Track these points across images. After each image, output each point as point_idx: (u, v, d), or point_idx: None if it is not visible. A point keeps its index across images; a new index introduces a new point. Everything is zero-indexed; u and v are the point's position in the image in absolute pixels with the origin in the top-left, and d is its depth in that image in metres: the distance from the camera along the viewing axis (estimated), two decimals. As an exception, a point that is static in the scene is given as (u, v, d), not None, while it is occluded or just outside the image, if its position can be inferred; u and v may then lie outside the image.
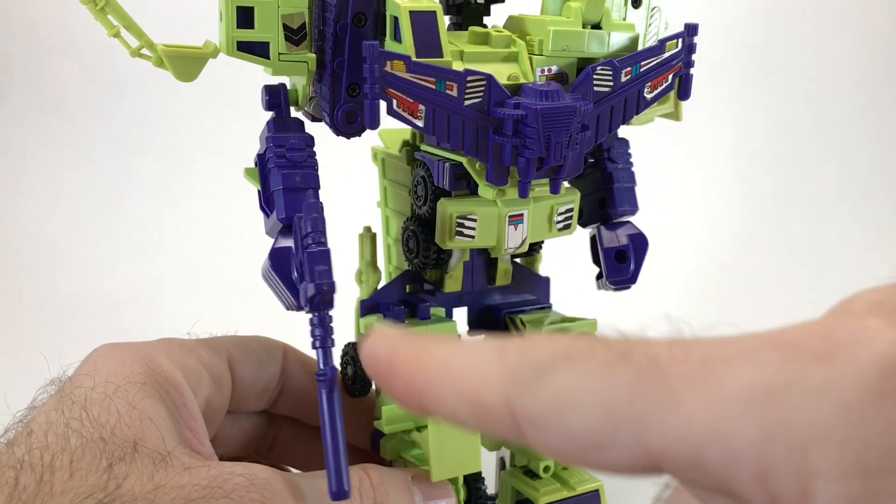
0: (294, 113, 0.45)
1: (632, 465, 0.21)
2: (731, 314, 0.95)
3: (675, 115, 0.49)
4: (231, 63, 0.43)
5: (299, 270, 0.39)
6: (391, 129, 0.50)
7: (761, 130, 1.14)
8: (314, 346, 0.39)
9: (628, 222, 0.51)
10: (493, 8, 0.47)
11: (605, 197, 0.50)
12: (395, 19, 0.40)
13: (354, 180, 0.62)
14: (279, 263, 0.40)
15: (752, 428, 0.19)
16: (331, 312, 0.38)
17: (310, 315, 0.39)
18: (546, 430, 0.22)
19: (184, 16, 0.86)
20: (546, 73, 0.43)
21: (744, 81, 1.14)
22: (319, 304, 0.37)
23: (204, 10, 0.42)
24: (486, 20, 0.46)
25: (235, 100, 0.87)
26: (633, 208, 0.50)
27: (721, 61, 1.12)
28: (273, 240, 0.42)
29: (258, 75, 0.44)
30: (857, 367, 0.18)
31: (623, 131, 0.51)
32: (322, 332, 0.38)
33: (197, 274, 1.00)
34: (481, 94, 0.39)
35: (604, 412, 0.21)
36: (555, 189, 0.42)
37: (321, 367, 0.38)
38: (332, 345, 0.38)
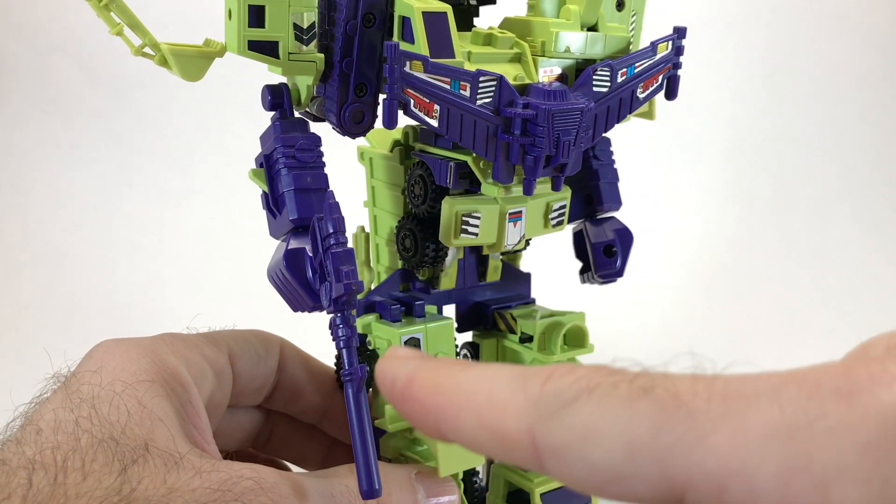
0: (294, 112, 0.45)
1: (653, 497, 0.22)
2: (731, 314, 0.96)
3: (649, 115, 0.51)
4: (231, 63, 0.43)
5: (317, 271, 0.39)
6: (378, 129, 0.50)
7: (761, 130, 1.14)
8: (339, 347, 0.38)
9: (613, 217, 0.52)
10: (482, 10, 0.47)
11: (591, 193, 0.51)
12: (405, 19, 0.40)
13: (339, 180, 0.62)
14: (294, 264, 0.40)
15: (775, 463, 0.19)
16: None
17: (331, 315, 0.39)
18: (568, 462, 0.22)
19: (182, 16, 0.86)
20: (549, 73, 0.44)
21: (744, 81, 1.14)
22: (345, 304, 0.38)
23: (203, 9, 0.42)
24: (475, 21, 0.47)
25: (236, 100, 0.88)
26: (617, 204, 0.52)
27: (721, 61, 1.12)
28: (280, 241, 0.42)
29: (257, 75, 0.44)
30: (878, 407, 0.19)
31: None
32: (347, 332, 0.38)
33: (197, 274, 1.00)
34: (492, 93, 0.40)
35: (626, 445, 0.21)
36: (556, 186, 0.43)
37: (347, 367, 0.38)
38: (358, 344, 0.39)
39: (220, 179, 1.05)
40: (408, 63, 0.38)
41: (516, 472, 0.52)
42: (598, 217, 0.52)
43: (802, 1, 1.15)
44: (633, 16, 0.47)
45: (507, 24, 0.46)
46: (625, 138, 0.55)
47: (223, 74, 0.49)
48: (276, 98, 0.43)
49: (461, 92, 0.39)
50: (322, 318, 0.56)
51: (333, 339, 0.39)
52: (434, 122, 0.39)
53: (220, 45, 0.41)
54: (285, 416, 0.53)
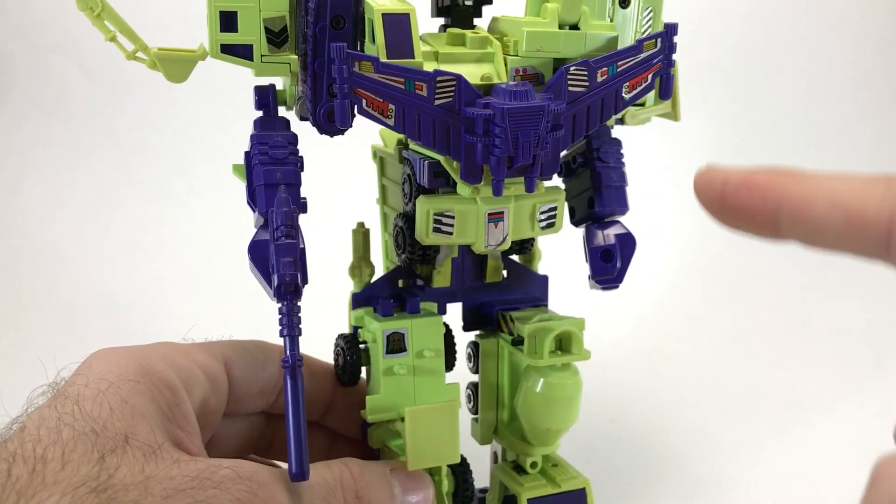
0: (285, 113, 0.46)
1: None
2: (732, 314, 0.96)
3: (672, 116, 0.50)
4: (232, 64, 0.43)
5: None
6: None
7: (761, 130, 1.14)
8: (280, 335, 0.40)
9: (617, 222, 0.51)
10: (485, 10, 0.47)
11: (593, 196, 0.50)
12: (373, 22, 0.41)
13: (356, 178, 0.63)
14: (257, 256, 0.41)
15: None
16: (299, 303, 0.40)
17: (279, 306, 0.40)
18: None
19: (185, 17, 0.86)
20: (521, 73, 0.43)
21: (744, 81, 1.14)
22: (284, 294, 0.39)
23: (204, 11, 0.43)
24: (476, 22, 0.47)
25: (236, 100, 0.87)
26: (623, 208, 0.50)
27: (721, 61, 1.12)
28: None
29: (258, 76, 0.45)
30: None
31: (619, 131, 0.52)
32: (287, 322, 0.39)
33: (197, 274, 1.01)
34: (452, 93, 0.40)
35: None
36: (529, 188, 0.42)
37: (285, 354, 0.40)
38: (299, 334, 0.40)
39: (220, 179, 1.05)
40: (357, 64, 0.38)
41: (509, 475, 0.52)
42: (603, 221, 0.51)
43: (802, 1, 1.15)
44: (648, 11, 0.46)
45: (492, 24, 0.46)
46: (630, 140, 0.55)
47: (222, 75, 0.50)
48: (263, 98, 0.45)
49: (417, 92, 0.39)
50: (321, 317, 0.57)
51: (279, 327, 0.40)
52: (390, 122, 0.39)
53: (203, 49, 0.43)
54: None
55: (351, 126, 0.40)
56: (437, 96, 0.40)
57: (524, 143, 0.39)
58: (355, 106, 0.39)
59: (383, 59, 0.40)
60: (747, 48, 1.14)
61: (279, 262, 0.39)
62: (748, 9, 1.14)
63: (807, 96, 1.14)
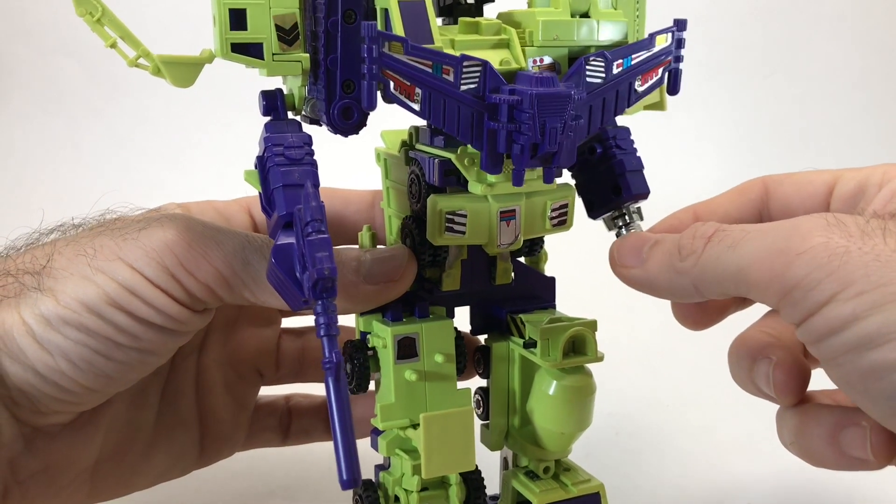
0: (291, 117, 0.45)
1: None
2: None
3: (660, 105, 0.50)
4: (233, 65, 0.43)
5: (301, 263, 0.39)
6: (393, 130, 0.50)
7: (760, 129, 1.14)
8: (319, 335, 0.38)
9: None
10: (486, 9, 0.47)
11: (619, 183, 0.51)
12: (386, 11, 0.40)
13: (360, 181, 0.62)
14: (282, 260, 0.39)
15: None
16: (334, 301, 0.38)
17: (314, 305, 0.38)
18: None
19: (186, 21, 0.86)
20: (538, 62, 0.43)
21: (743, 81, 1.14)
22: (322, 290, 0.37)
23: (207, 15, 0.42)
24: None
25: (237, 101, 0.88)
26: (646, 190, 0.51)
27: (721, 61, 1.12)
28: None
29: (259, 77, 0.45)
30: None
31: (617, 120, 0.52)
32: (326, 320, 0.37)
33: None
34: (477, 79, 0.39)
35: None
36: (548, 178, 0.42)
37: (326, 355, 0.37)
38: (337, 333, 0.38)
39: (221, 180, 1.05)
40: (387, 44, 0.37)
41: (521, 481, 0.51)
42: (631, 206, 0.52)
43: (801, 1, 1.15)
44: (639, 3, 0.46)
45: (500, 18, 0.46)
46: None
47: (225, 75, 0.49)
48: (271, 102, 0.44)
49: (444, 76, 0.39)
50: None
51: (316, 327, 0.38)
52: (416, 106, 0.39)
53: (209, 52, 0.42)
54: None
55: (375, 108, 0.39)
56: (462, 81, 0.39)
57: (551, 130, 0.39)
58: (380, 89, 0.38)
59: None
60: (747, 48, 1.14)
61: (315, 257, 0.37)
62: (748, 9, 1.13)
63: (805, 96, 1.15)
